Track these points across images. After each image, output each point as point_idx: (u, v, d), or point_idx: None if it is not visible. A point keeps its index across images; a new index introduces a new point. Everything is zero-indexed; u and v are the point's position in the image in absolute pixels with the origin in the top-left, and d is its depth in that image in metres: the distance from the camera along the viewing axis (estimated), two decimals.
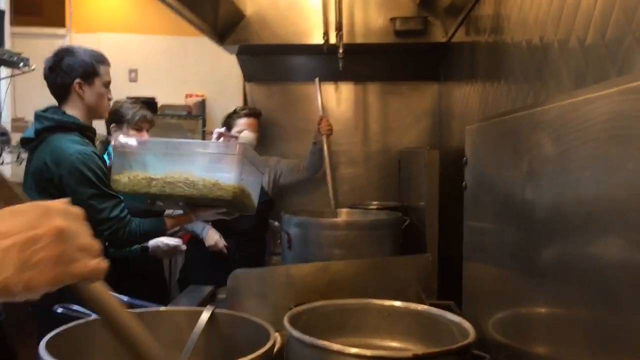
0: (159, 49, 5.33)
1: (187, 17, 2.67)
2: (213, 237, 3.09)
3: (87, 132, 2.33)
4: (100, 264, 0.70)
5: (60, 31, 5.13)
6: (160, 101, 5.72)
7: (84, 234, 0.70)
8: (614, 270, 0.74)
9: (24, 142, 2.36)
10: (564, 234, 0.91)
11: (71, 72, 2.29)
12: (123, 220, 2.20)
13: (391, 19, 3.18)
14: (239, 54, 3.65)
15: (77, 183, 2.14)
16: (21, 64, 4.17)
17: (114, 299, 0.80)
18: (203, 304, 2.29)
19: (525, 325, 1.13)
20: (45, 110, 2.33)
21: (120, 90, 5.13)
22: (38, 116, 2.30)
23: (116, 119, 2.92)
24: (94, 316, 1.42)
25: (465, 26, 2.63)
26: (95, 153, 2.26)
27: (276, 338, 1.19)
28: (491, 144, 1.40)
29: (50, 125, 2.26)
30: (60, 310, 1.50)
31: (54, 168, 2.16)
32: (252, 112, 3.35)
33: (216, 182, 2.08)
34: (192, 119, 5.95)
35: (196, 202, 2.24)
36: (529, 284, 1.09)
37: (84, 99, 2.31)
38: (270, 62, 3.73)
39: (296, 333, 1.13)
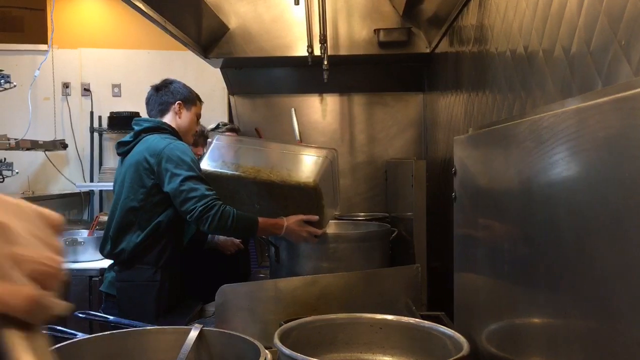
0: (142, 63, 5.28)
1: (170, 31, 2.67)
2: (226, 240, 3.17)
3: (178, 136, 2.58)
4: (47, 299, 0.45)
5: (42, 47, 5.08)
6: (144, 116, 5.66)
7: (34, 245, 0.47)
8: (610, 280, 0.74)
9: (120, 145, 2.62)
10: (558, 243, 0.90)
11: (176, 94, 2.64)
12: (218, 200, 2.35)
13: (375, 31, 3.19)
14: (224, 67, 3.64)
15: (175, 166, 2.36)
16: (2, 81, 4.12)
17: None
18: (192, 320, 2.27)
19: (520, 338, 1.12)
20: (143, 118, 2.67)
21: (104, 105, 5.08)
22: (137, 120, 2.61)
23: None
24: (80, 336, 1.39)
25: (449, 37, 2.65)
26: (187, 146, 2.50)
27: (267, 355, 1.17)
28: (481, 154, 1.40)
29: (149, 126, 2.55)
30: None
31: (152, 159, 2.41)
32: (231, 128, 3.55)
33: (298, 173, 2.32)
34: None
35: (280, 194, 2.38)
36: (523, 295, 1.08)
37: (180, 119, 2.63)
38: (254, 75, 3.73)
39: (287, 351, 1.11)
